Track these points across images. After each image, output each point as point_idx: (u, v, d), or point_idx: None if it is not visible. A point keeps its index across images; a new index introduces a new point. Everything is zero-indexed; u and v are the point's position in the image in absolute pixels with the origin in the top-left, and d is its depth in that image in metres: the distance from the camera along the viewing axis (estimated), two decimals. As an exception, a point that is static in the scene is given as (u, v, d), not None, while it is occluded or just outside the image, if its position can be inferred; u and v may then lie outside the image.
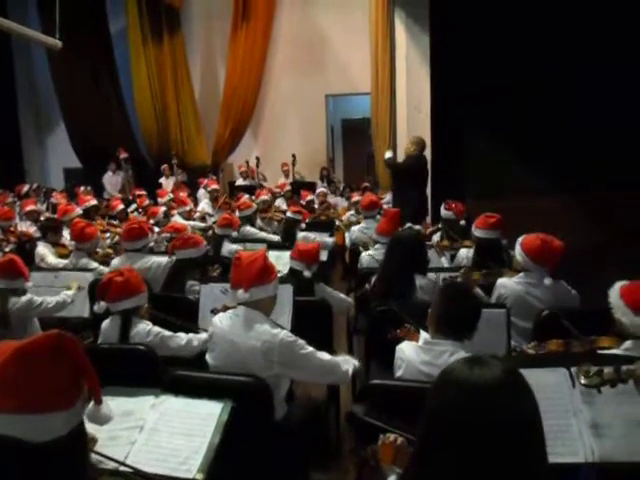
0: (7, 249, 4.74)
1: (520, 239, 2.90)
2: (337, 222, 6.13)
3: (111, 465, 1.51)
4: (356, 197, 6.52)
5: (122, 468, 1.54)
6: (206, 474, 1.62)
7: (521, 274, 2.85)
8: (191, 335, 2.62)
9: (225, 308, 2.44)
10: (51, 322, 3.19)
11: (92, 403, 1.12)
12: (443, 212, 4.47)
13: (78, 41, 9.20)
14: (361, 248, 4.11)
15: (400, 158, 6.67)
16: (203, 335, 2.61)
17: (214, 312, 2.52)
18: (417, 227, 4.43)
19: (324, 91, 10.48)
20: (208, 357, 2.30)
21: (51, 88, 10.85)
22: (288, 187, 8.07)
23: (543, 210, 5.91)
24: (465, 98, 6.35)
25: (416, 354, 1.99)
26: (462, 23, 6.34)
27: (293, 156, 9.45)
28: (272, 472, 2.08)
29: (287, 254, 3.65)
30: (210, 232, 5.36)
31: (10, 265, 2.95)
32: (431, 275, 3.20)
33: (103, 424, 1.18)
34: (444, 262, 3.92)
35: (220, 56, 10.81)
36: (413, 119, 8.42)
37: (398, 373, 2.02)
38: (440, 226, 4.61)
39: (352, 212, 6.38)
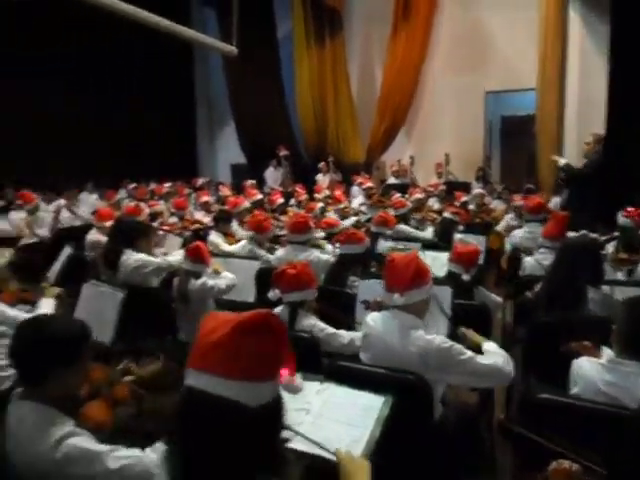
0: (186, 234, 5.32)
1: None
2: (495, 226, 5.85)
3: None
4: (518, 200, 6.16)
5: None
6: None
7: None
8: (352, 334, 2.63)
9: (377, 304, 2.45)
10: (223, 303, 3.50)
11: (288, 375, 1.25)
12: (620, 219, 4.08)
13: (249, 46, 9.92)
14: (523, 254, 3.89)
15: (574, 156, 6.15)
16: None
17: (364, 304, 2.54)
18: (593, 235, 4.07)
19: (484, 88, 10.07)
20: (362, 356, 2.32)
21: (223, 90, 11.66)
22: (442, 186, 7.91)
23: None
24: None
25: (597, 372, 1.83)
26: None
27: (446, 155, 9.22)
28: (428, 472, 2.07)
29: (443, 255, 3.58)
30: (364, 230, 5.46)
31: (197, 250, 3.28)
32: (605, 288, 2.93)
33: (296, 394, 1.31)
34: (620, 277, 3.56)
35: (378, 56, 10.92)
36: (585, 115, 7.75)
37: (574, 390, 1.88)
38: (616, 235, 4.20)
39: (511, 215, 6.05)
